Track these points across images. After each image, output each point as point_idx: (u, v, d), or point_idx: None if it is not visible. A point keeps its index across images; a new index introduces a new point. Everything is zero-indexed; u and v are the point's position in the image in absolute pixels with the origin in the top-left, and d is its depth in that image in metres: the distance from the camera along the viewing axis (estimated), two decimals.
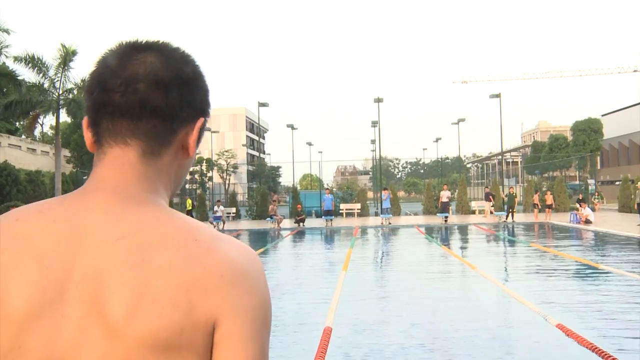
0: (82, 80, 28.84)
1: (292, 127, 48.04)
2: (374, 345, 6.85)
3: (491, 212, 32.16)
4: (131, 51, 0.95)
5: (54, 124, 33.00)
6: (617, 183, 39.67)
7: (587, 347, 6.10)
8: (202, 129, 1.00)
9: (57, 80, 29.76)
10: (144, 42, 0.97)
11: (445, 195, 29.82)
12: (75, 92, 29.91)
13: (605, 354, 5.74)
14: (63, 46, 29.64)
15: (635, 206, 24.61)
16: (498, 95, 37.82)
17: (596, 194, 36.78)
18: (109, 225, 0.88)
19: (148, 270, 0.85)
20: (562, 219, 27.70)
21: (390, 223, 28.79)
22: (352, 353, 6.51)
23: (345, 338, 7.01)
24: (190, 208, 31.31)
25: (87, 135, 0.97)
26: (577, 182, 57.40)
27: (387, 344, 6.86)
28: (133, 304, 0.83)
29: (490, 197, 33.05)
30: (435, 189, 37.43)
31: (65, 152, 45.90)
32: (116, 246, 0.86)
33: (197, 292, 0.85)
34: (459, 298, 10.01)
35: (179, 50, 0.99)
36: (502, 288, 10.74)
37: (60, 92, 29.94)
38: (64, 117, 32.57)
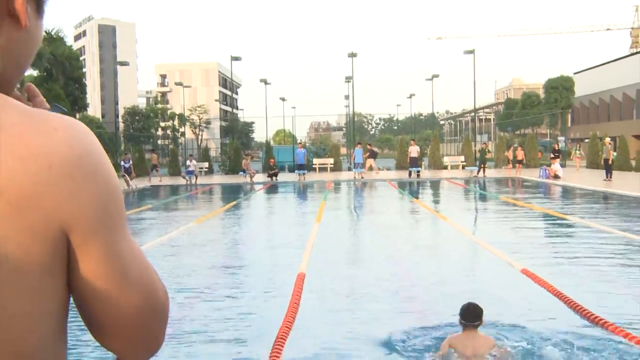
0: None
1: (265, 82, 47.56)
2: (347, 290, 7.03)
3: (371, 167, 31.06)
4: None
5: None
6: (587, 140, 40.39)
7: (549, 291, 6.37)
8: None
9: None
10: None
11: (414, 150, 30.07)
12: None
13: (564, 296, 6.00)
14: None
15: (602, 162, 25.21)
16: (472, 52, 37.85)
17: (578, 145, 37.35)
18: None
19: None
20: (532, 174, 28.27)
21: (362, 177, 29.02)
22: (326, 298, 6.67)
23: (318, 284, 7.16)
24: (155, 163, 31.11)
25: None
26: (548, 139, 58.27)
27: (360, 290, 7.05)
28: None
29: (368, 152, 31.50)
30: (407, 146, 37.76)
31: None
32: None
33: (23, 193, 0.63)
34: (428, 247, 10.26)
35: None
36: (471, 238, 11.03)
37: None
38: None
